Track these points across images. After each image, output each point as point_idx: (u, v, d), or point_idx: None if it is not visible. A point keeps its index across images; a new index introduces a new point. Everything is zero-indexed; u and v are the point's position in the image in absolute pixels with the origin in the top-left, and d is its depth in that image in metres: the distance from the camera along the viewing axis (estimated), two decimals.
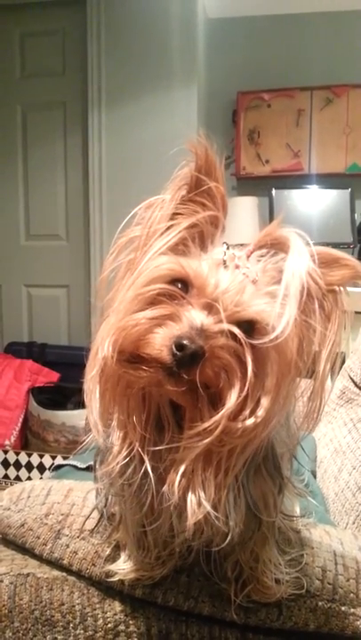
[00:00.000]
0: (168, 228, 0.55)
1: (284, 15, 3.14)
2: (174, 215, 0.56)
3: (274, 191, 2.96)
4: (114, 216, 2.90)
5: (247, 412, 0.49)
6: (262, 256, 0.55)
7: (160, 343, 0.49)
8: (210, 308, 0.50)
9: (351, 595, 0.62)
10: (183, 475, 0.50)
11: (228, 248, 0.54)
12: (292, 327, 0.48)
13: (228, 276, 0.52)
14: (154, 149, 2.78)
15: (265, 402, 0.50)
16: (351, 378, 1.33)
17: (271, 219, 2.94)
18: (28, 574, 0.67)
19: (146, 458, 0.52)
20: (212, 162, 0.56)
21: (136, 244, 0.56)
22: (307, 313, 0.52)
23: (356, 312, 1.77)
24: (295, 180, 3.08)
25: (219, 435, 0.49)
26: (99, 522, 0.66)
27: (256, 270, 0.53)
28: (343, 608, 0.62)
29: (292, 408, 0.57)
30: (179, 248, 0.55)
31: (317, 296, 0.52)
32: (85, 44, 2.91)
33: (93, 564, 0.65)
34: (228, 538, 0.53)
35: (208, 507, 0.50)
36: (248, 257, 0.54)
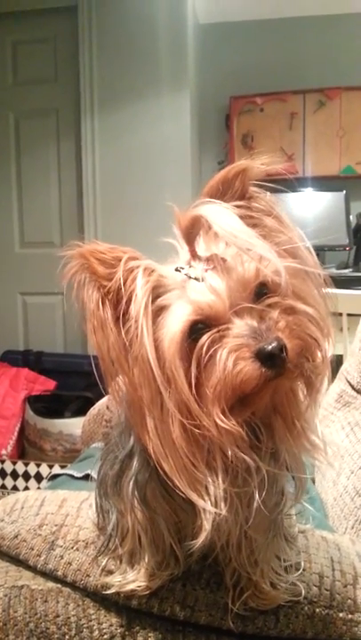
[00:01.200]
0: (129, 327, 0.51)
1: (276, 19, 3.16)
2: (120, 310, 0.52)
3: (268, 195, 2.96)
4: (108, 222, 2.90)
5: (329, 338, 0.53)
6: (207, 245, 0.54)
7: (252, 370, 0.48)
8: (237, 313, 0.50)
9: (349, 601, 0.62)
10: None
11: (182, 269, 0.53)
12: (276, 251, 0.50)
13: (212, 281, 0.51)
14: (147, 155, 2.79)
15: (325, 323, 0.53)
16: (348, 381, 1.33)
17: None
18: (22, 586, 0.66)
19: (259, 462, 0.52)
20: (90, 263, 0.52)
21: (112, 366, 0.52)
22: (267, 233, 0.54)
23: (350, 314, 1.77)
24: (290, 183, 3.08)
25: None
26: (109, 541, 0.64)
27: (216, 259, 0.52)
28: (341, 614, 0.61)
29: None
30: (154, 309, 0.52)
31: (256, 213, 0.55)
32: (77, 51, 2.93)
33: (88, 575, 0.64)
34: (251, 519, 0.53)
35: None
36: (194, 257, 0.54)
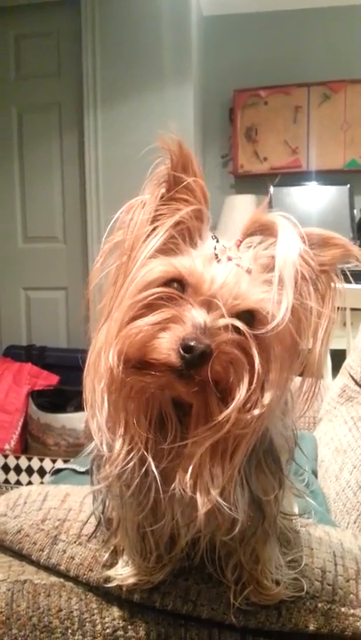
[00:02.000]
0: (153, 229, 0.54)
1: (279, 12, 3.14)
2: (157, 215, 0.55)
3: (272, 189, 2.95)
4: (111, 216, 2.89)
5: (255, 401, 0.50)
6: (251, 244, 0.55)
7: (167, 347, 0.49)
8: (209, 304, 0.50)
9: (351, 595, 0.62)
10: (193, 470, 0.51)
11: (217, 241, 0.54)
12: (291, 312, 0.49)
13: (223, 270, 0.52)
14: (151, 148, 2.78)
15: (270, 389, 0.50)
16: (351, 376, 1.32)
17: None
18: (25, 581, 0.66)
19: (150, 458, 0.52)
20: (186, 156, 0.55)
21: (122, 249, 0.55)
22: (302, 296, 0.52)
23: (354, 309, 1.76)
24: (294, 177, 3.08)
25: (229, 427, 0.49)
26: (97, 527, 0.65)
27: (248, 259, 0.53)
28: (343, 609, 0.61)
29: (288, 400, 0.57)
30: (167, 248, 0.54)
31: (311, 277, 0.52)
32: (80, 45, 2.91)
33: (91, 570, 0.64)
34: (238, 526, 0.53)
35: (217, 496, 0.50)
36: (238, 247, 0.54)
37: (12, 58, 3.09)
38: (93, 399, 0.54)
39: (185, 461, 0.51)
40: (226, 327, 0.49)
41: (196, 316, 0.49)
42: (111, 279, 0.56)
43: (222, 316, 0.49)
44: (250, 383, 0.49)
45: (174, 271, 0.52)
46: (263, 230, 0.54)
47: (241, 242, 0.54)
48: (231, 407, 0.49)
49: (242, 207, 2.92)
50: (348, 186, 2.94)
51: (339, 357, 1.55)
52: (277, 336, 0.50)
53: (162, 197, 0.56)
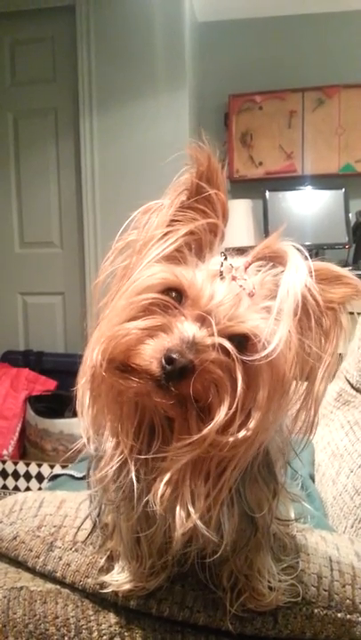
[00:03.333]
0: (165, 234, 0.54)
1: (274, 17, 3.15)
2: (172, 222, 0.55)
3: (268, 193, 2.96)
4: (108, 221, 2.89)
5: (237, 425, 0.49)
6: (261, 268, 0.54)
7: (150, 355, 0.48)
8: (203, 320, 0.49)
9: (347, 601, 0.62)
10: (168, 484, 0.50)
11: (225, 258, 0.53)
12: (285, 344, 0.48)
13: (224, 288, 0.51)
14: (146, 154, 2.79)
15: (256, 416, 0.49)
16: (347, 380, 1.33)
17: (265, 221, 2.95)
18: (21, 588, 0.66)
19: (132, 466, 0.52)
20: (214, 168, 0.55)
21: (133, 249, 0.55)
22: (303, 329, 0.51)
23: (350, 313, 1.77)
24: (289, 181, 3.09)
25: (206, 448, 0.48)
26: (92, 531, 0.65)
27: (253, 283, 0.52)
28: (340, 615, 0.61)
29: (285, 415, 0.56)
30: (175, 256, 0.54)
31: (315, 313, 0.51)
32: (75, 51, 2.92)
33: (87, 576, 0.64)
34: (222, 548, 0.53)
35: (196, 519, 0.49)
36: (246, 268, 0.53)
37: (7, 64, 3.10)
38: (80, 396, 0.54)
39: (162, 473, 0.50)
40: (214, 346, 0.48)
41: (187, 329, 0.49)
42: (117, 278, 0.56)
43: (213, 334, 0.49)
44: (230, 406, 0.48)
45: (175, 280, 0.52)
46: (273, 257, 0.53)
47: (250, 264, 0.54)
48: (208, 427, 0.48)
49: (237, 212, 2.93)
50: (343, 190, 2.95)
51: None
52: (270, 365, 0.48)
53: (181, 205, 0.55)
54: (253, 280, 0.53)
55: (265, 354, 0.47)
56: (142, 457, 0.51)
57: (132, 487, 0.53)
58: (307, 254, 0.51)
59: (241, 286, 0.51)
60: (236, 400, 0.48)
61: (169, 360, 0.47)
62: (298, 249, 0.51)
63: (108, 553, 0.64)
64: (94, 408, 0.53)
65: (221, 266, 0.52)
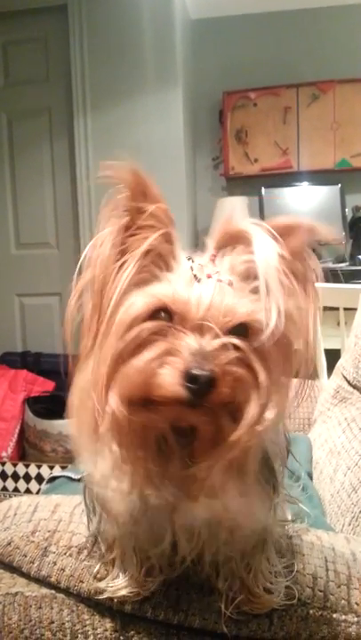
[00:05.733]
0: (123, 263, 0.52)
1: (267, 13, 3.15)
2: (124, 248, 0.53)
3: (263, 190, 2.96)
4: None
5: (264, 413, 0.49)
6: (225, 254, 0.54)
7: (170, 382, 0.47)
8: (200, 328, 0.49)
9: (343, 601, 0.62)
10: (209, 495, 0.50)
11: (192, 260, 0.53)
12: (285, 315, 0.48)
13: (205, 289, 0.50)
14: (141, 152, 2.77)
15: (277, 397, 0.50)
16: (344, 376, 1.32)
17: (262, 218, 2.93)
18: (16, 593, 0.66)
19: (155, 488, 0.51)
20: (142, 183, 0.53)
21: (95, 286, 0.53)
22: (287, 290, 0.51)
23: (347, 308, 1.76)
24: (285, 177, 3.08)
25: (246, 443, 0.48)
26: (94, 545, 0.65)
27: (226, 271, 0.52)
28: (335, 615, 0.61)
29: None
30: (142, 278, 0.52)
31: (289, 267, 0.51)
32: (68, 50, 2.91)
33: (81, 581, 0.64)
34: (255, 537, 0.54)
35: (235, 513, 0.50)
36: (214, 261, 0.53)
37: (0, 64, 3.09)
38: (87, 444, 0.53)
39: (197, 486, 0.50)
40: (223, 347, 0.48)
41: (191, 343, 0.48)
42: (86, 321, 0.54)
43: (217, 335, 0.48)
44: (259, 397, 0.48)
45: (157, 302, 0.50)
46: (235, 240, 0.53)
47: (215, 256, 0.53)
48: (244, 425, 0.48)
49: (233, 209, 2.92)
50: (340, 185, 2.95)
51: (333, 357, 1.54)
52: (276, 342, 0.49)
53: (127, 228, 0.54)
54: (225, 269, 0.52)
55: (270, 332, 0.47)
56: (170, 475, 0.51)
57: (144, 509, 0.53)
58: (260, 222, 0.51)
59: (218, 280, 0.51)
60: (263, 388, 0.48)
61: (191, 379, 0.46)
62: (255, 223, 0.51)
63: (103, 560, 0.64)
64: (122, 452, 0.51)
65: (192, 269, 0.52)
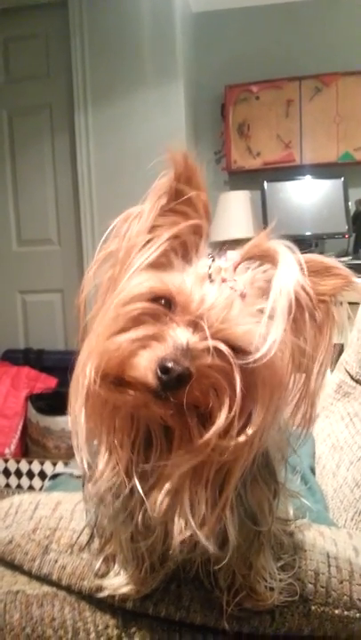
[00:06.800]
0: (148, 241, 0.52)
1: (269, 5, 3.12)
2: (154, 227, 0.53)
3: (266, 184, 2.94)
4: (105, 217, 2.87)
5: (237, 428, 0.48)
6: (250, 265, 0.53)
7: (144, 366, 0.47)
8: (195, 325, 0.48)
9: (345, 597, 0.61)
10: (168, 493, 0.49)
11: (213, 260, 0.52)
12: (281, 344, 0.47)
13: (214, 291, 0.50)
14: (143, 147, 2.77)
15: (256, 418, 0.48)
16: (347, 371, 1.32)
17: (264, 212, 2.93)
18: (17, 591, 0.66)
19: (135, 477, 0.51)
20: (191, 169, 0.53)
21: (115, 259, 0.54)
22: (297, 326, 0.50)
23: (351, 303, 1.76)
24: (287, 171, 3.06)
25: (208, 453, 0.47)
26: (90, 538, 0.65)
27: (244, 282, 0.51)
28: (337, 611, 0.60)
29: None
30: (160, 262, 0.52)
31: (308, 307, 0.50)
32: (69, 47, 2.90)
33: (82, 579, 0.64)
34: (229, 553, 0.53)
35: (195, 528, 0.49)
36: (235, 269, 0.52)
37: (1, 61, 3.08)
38: (74, 414, 0.52)
39: (161, 482, 0.49)
40: (209, 350, 0.47)
41: (179, 335, 0.48)
42: (102, 290, 0.54)
43: (207, 338, 0.48)
44: (230, 409, 0.47)
45: (163, 287, 0.50)
46: (263, 256, 0.52)
47: (239, 264, 0.52)
48: (210, 432, 0.47)
49: (236, 203, 2.91)
50: (343, 179, 2.93)
51: (337, 352, 1.54)
52: (266, 366, 0.48)
53: (162, 209, 0.54)
54: (244, 279, 0.51)
55: (260, 356, 0.46)
56: (141, 468, 0.51)
57: (129, 498, 0.52)
58: (296, 249, 0.50)
59: (232, 288, 0.50)
60: (236, 402, 0.47)
61: (164, 369, 0.46)
62: (288, 246, 0.50)
63: (105, 556, 0.64)
64: (89, 425, 0.52)
65: (210, 268, 0.51)
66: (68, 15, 2.89)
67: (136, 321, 0.50)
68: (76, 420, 0.52)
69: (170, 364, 0.45)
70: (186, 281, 0.51)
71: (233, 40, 3.18)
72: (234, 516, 0.53)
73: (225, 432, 0.48)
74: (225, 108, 3.13)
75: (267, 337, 0.46)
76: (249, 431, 0.48)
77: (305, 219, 2.89)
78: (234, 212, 2.89)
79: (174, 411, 0.48)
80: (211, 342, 0.47)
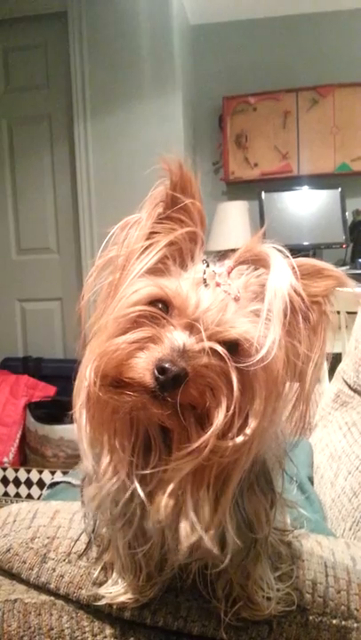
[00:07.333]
0: (146, 248, 0.54)
1: (266, 19, 3.16)
2: (151, 234, 0.55)
3: (264, 194, 2.96)
4: (104, 226, 2.88)
5: (235, 429, 0.49)
6: (244, 271, 0.54)
7: (142, 367, 0.48)
8: (191, 327, 0.50)
9: (342, 607, 0.61)
10: (170, 496, 0.50)
11: (207, 265, 0.54)
12: (278, 346, 0.48)
13: (209, 295, 0.51)
14: (141, 158, 2.78)
15: (253, 419, 0.49)
16: (345, 380, 1.32)
17: (262, 222, 2.95)
18: (15, 600, 0.66)
19: (136, 481, 0.51)
20: (186, 178, 0.55)
21: (115, 265, 0.55)
22: (292, 328, 0.51)
23: (349, 312, 1.76)
24: (285, 182, 3.08)
25: (207, 455, 0.48)
26: (87, 545, 0.65)
27: (238, 287, 0.52)
28: (334, 621, 0.60)
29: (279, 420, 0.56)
30: (157, 268, 0.54)
31: (301, 309, 0.51)
32: (68, 57, 2.93)
33: (80, 588, 0.64)
34: (226, 560, 0.53)
35: (201, 532, 0.49)
36: (229, 273, 0.54)
37: (0, 71, 3.11)
38: (77, 417, 0.53)
39: (163, 486, 0.50)
40: (205, 351, 0.48)
41: (176, 337, 0.49)
42: (102, 295, 0.56)
43: (203, 339, 0.49)
44: (227, 409, 0.48)
45: (160, 292, 0.52)
46: (256, 260, 0.53)
47: (232, 269, 0.54)
48: (208, 433, 0.47)
49: (233, 214, 2.92)
50: (340, 189, 2.95)
51: (335, 361, 1.54)
52: (263, 367, 0.48)
53: (158, 216, 0.55)
54: (237, 284, 0.53)
55: (259, 358, 0.47)
56: (141, 472, 0.51)
57: (129, 504, 0.53)
58: (287, 253, 0.52)
59: (226, 291, 0.51)
60: (234, 403, 0.48)
61: (161, 370, 0.47)
62: (279, 250, 0.51)
63: (102, 564, 0.64)
64: (91, 427, 0.52)
65: (204, 273, 0.52)
66: (67, 26, 2.92)
67: (134, 324, 0.51)
68: (79, 423, 0.53)
69: (167, 365, 0.47)
70: (182, 285, 0.52)
71: (230, 52, 3.21)
72: (232, 522, 0.53)
73: (223, 433, 0.48)
74: (223, 119, 3.16)
75: (265, 338, 0.48)
76: (247, 431, 0.49)
77: (303, 229, 2.90)
78: (232, 222, 2.90)
79: (172, 411, 0.48)
80: (207, 343, 0.48)
